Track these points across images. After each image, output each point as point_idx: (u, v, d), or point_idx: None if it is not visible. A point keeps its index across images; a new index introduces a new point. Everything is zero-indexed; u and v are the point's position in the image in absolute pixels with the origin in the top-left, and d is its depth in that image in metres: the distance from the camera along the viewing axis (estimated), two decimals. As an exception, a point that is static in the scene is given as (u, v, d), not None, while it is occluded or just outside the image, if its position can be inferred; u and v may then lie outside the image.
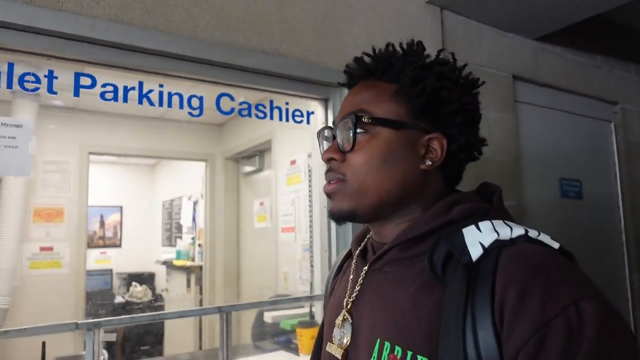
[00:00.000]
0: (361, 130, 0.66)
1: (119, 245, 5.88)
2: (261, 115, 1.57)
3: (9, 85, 1.18)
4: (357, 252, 0.75)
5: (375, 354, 0.62)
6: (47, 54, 1.22)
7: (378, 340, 0.62)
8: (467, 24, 2.17)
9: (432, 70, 0.67)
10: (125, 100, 1.32)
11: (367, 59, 0.73)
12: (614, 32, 2.78)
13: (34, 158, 3.19)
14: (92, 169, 4.45)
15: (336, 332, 0.70)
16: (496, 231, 0.58)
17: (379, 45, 0.75)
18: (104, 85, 1.30)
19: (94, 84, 1.29)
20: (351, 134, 0.66)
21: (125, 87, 1.33)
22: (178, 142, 3.88)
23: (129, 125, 3.63)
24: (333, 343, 0.70)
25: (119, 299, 5.10)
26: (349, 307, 0.70)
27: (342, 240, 1.67)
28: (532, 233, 0.59)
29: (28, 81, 1.21)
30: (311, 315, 1.84)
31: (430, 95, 0.66)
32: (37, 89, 1.21)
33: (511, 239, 0.57)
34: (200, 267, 4.03)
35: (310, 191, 1.98)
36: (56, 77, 1.24)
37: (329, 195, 0.69)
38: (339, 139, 0.68)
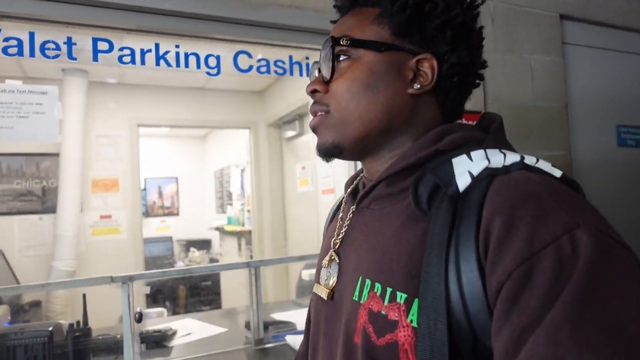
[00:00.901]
0: (343, 57, 0.61)
1: (177, 214, 6.18)
2: (280, 71, 1.55)
3: (32, 53, 1.23)
4: (348, 191, 0.72)
5: (357, 292, 0.59)
6: (65, 21, 1.25)
7: (360, 277, 0.59)
8: (505, -40, 2.00)
9: None
10: (142, 62, 1.35)
11: None
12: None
13: (88, 132, 3.39)
14: (148, 143, 4.68)
15: (323, 272, 0.67)
16: (488, 159, 0.52)
17: None
18: (121, 49, 1.33)
19: (111, 48, 1.32)
20: (330, 61, 0.61)
21: (142, 50, 1.36)
22: (222, 112, 3.95)
23: (174, 98, 3.74)
24: (320, 284, 0.67)
25: (179, 264, 5.40)
26: (336, 247, 0.66)
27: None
28: (529, 160, 0.52)
29: (49, 49, 1.26)
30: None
31: (413, 10, 0.59)
32: (57, 55, 1.26)
33: (504, 167, 0.51)
34: (250, 232, 4.16)
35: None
36: (75, 43, 1.28)
37: (314, 129, 0.65)
38: (322, 70, 0.63)
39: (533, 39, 2.03)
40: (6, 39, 1.22)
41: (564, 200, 0.47)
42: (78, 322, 1.36)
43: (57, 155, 3.19)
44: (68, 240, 3.15)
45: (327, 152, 0.63)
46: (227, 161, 5.21)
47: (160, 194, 6.25)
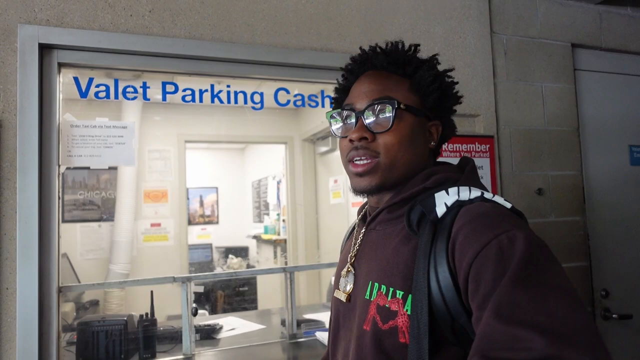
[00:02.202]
0: (396, 117, 0.78)
1: (217, 222, 6.52)
2: (313, 104, 1.81)
3: (116, 96, 1.55)
4: (359, 217, 0.94)
5: (368, 293, 0.79)
6: (140, 69, 1.56)
7: (370, 282, 0.79)
8: (518, -2, 2.20)
9: (443, 75, 0.86)
10: (201, 100, 1.64)
11: (378, 51, 0.87)
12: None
13: (142, 148, 3.75)
14: (191, 155, 5.04)
15: (342, 281, 0.87)
16: (458, 194, 0.74)
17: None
18: (184, 90, 1.63)
19: (176, 89, 1.63)
20: (391, 117, 0.78)
21: (200, 90, 1.65)
22: (259, 128, 4.26)
23: (218, 115, 4.07)
24: (339, 290, 0.87)
25: (218, 270, 5.73)
26: (352, 261, 0.87)
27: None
28: (488, 195, 0.74)
29: (129, 92, 1.57)
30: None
31: (440, 94, 0.84)
32: (135, 97, 1.57)
33: (469, 199, 0.73)
34: (285, 241, 4.43)
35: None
36: (149, 87, 1.58)
37: (360, 174, 0.80)
38: (368, 120, 0.79)
39: (544, 67, 2.22)
40: (97, 85, 1.53)
41: (506, 218, 0.69)
42: (147, 314, 1.65)
43: (115, 169, 3.57)
44: (123, 246, 3.52)
45: (370, 192, 0.82)
46: (264, 173, 5.52)
47: (202, 203, 6.62)
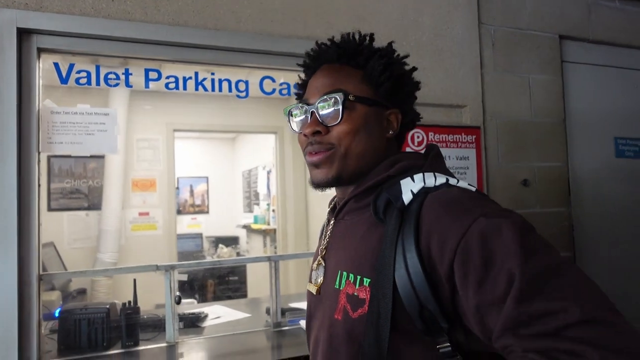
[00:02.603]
0: (346, 108, 0.78)
1: (207, 212, 6.51)
2: (299, 93, 1.80)
3: (97, 83, 1.53)
4: (329, 210, 0.93)
5: (337, 282, 0.79)
6: (123, 56, 1.54)
7: (339, 271, 0.80)
8: (507, -12, 2.19)
9: (395, 63, 0.84)
10: (184, 88, 1.62)
11: (331, 44, 0.87)
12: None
13: (130, 136, 3.72)
14: (182, 145, 5.01)
15: (313, 274, 0.88)
16: (424, 181, 0.74)
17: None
18: (167, 77, 1.61)
19: (159, 76, 1.61)
20: (340, 109, 0.78)
21: (184, 77, 1.63)
22: (249, 117, 4.24)
23: (206, 104, 4.04)
24: (311, 283, 0.88)
25: (208, 259, 5.73)
26: (323, 253, 0.87)
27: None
28: (452, 181, 0.74)
29: (111, 79, 1.55)
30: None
31: (393, 81, 0.82)
32: (117, 84, 1.55)
33: (435, 186, 0.73)
34: (275, 230, 4.43)
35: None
36: (131, 74, 1.56)
37: (316, 164, 0.81)
38: (321, 114, 0.79)
39: (532, 59, 2.22)
40: (78, 72, 1.51)
41: (475, 200, 0.70)
42: (129, 302, 1.65)
43: (102, 157, 3.54)
44: (111, 235, 3.50)
45: (327, 184, 0.81)
46: (254, 162, 5.50)
47: (192, 193, 6.60)
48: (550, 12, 2.29)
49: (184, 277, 1.70)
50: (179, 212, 6.19)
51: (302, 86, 0.92)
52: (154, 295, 2.57)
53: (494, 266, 0.60)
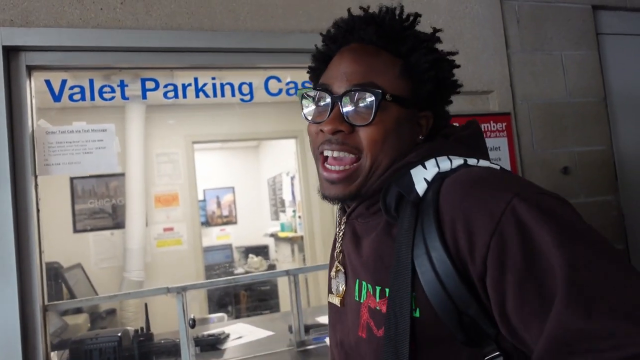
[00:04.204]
0: (379, 108, 0.64)
1: (235, 222, 6.46)
2: (308, 91, 1.66)
3: (92, 97, 1.44)
4: (339, 212, 0.80)
5: (357, 294, 0.68)
6: (116, 67, 1.45)
7: (357, 280, 0.69)
8: (529, -41, 2.00)
9: (444, 60, 0.72)
10: (184, 96, 1.52)
11: (365, 16, 0.73)
12: None
13: (149, 152, 3.67)
14: (205, 156, 4.95)
15: (333, 283, 0.76)
16: (438, 165, 0.62)
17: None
18: (165, 86, 1.51)
19: (157, 86, 1.51)
20: (373, 109, 0.64)
21: (183, 85, 1.53)
22: (269, 123, 4.14)
23: (224, 113, 3.97)
24: (332, 293, 0.76)
25: (239, 270, 5.66)
26: (339, 258, 0.75)
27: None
28: (471, 161, 0.63)
29: (106, 92, 1.46)
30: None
31: (435, 85, 0.69)
32: (113, 97, 1.46)
33: (452, 169, 0.62)
34: (302, 237, 4.31)
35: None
36: (127, 85, 1.47)
37: (332, 181, 0.68)
38: (347, 109, 0.66)
39: (563, 34, 2.02)
40: (72, 87, 1.43)
41: (502, 177, 0.59)
42: (142, 328, 1.55)
43: (123, 175, 3.51)
44: (136, 253, 3.46)
45: (342, 200, 0.70)
46: (278, 169, 5.41)
47: (219, 204, 6.57)
48: (580, -20, 2.08)
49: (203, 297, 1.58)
50: (207, 224, 6.16)
51: (321, 60, 0.77)
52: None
53: (538, 263, 0.50)
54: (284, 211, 5.25)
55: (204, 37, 1.50)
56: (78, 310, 2.80)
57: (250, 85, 1.60)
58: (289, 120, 4.15)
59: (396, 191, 0.63)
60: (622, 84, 2.13)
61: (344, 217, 0.76)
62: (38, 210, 1.38)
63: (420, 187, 0.61)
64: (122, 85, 1.47)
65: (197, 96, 1.54)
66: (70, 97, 1.43)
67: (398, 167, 0.66)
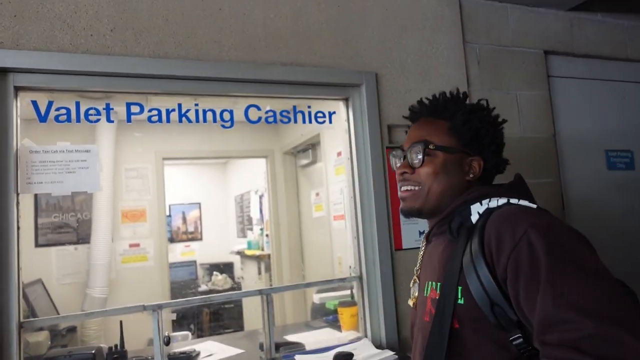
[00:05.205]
0: (427, 155, 0.98)
1: (200, 239, 6.41)
2: (286, 120, 1.77)
3: (77, 119, 1.49)
4: (424, 236, 1.10)
5: (425, 291, 0.99)
6: (103, 90, 1.51)
7: (427, 282, 0.99)
8: (489, 7, 2.20)
9: (476, 115, 1.00)
10: (168, 120, 1.59)
11: (426, 102, 1.06)
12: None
13: (118, 167, 3.66)
14: (172, 171, 4.94)
15: (411, 290, 1.08)
16: (489, 204, 0.90)
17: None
18: (150, 110, 1.58)
19: (142, 110, 1.57)
20: (421, 156, 0.98)
21: (167, 110, 1.60)
22: (239, 142, 4.20)
23: (195, 131, 4.00)
24: (410, 298, 1.08)
25: (203, 287, 5.61)
26: (418, 273, 1.08)
27: (369, 230, 1.84)
28: (513, 200, 0.89)
29: (92, 114, 1.51)
30: (351, 295, 2.03)
31: (475, 132, 0.98)
32: (99, 119, 1.51)
33: (497, 206, 0.88)
34: (269, 256, 4.36)
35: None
36: (112, 109, 1.52)
37: (403, 199, 1.02)
38: (410, 158, 1.00)
39: (518, 75, 2.22)
40: (58, 109, 1.47)
41: (527, 214, 0.83)
42: (116, 345, 1.58)
43: (84, 191, 3.47)
44: (101, 269, 3.41)
45: (411, 214, 1.01)
46: (247, 187, 5.45)
47: (184, 220, 6.51)
48: (533, 28, 2.30)
49: (174, 317, 1.62)
50: (171, 240, 6.09)
51: (407, 134, 1.11)
52: (147, 330, 2.49)
53: (537, 271, 0.74)
54: (251, 229, 5.28)
55: (190, 66, 1.58)
56: (40, 328, 2.74)
57: (231, 112, 1.69)
58: (260, 140, 4.23)
59: (459, 220, 0.92)
60: (569, 122, 2.35)
61: (424, 238, 1.09)
62: (18, 228, 1.41)
63: (474, 218, 0.89)
64: (108, 108, 1.53)
65: (180, 121, 1.61)
66: (56, 118, 1.47)
67: (460, 203, 0.94)
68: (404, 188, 1.01)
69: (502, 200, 0.88)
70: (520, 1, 2.26)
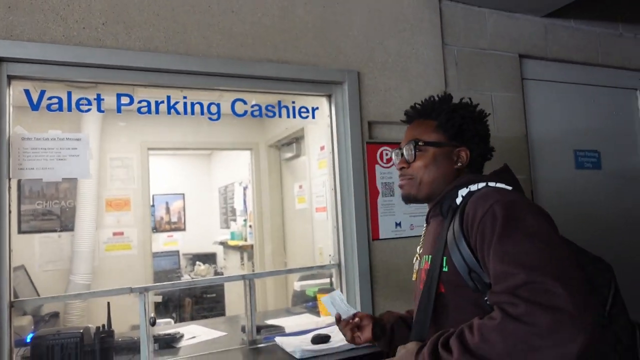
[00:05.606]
0: (418, 150, 1.15)
1: (184, 229, 6.44)
2: (271, 114, 1.85)
3: (69, 108, 1.54)
4: (426, 218, 1.25)
5: (422, 264, 1.15)
6: (94, 82, 1.56)
7: (424, 256, 1.15)
8: (468, 11, 2.30)
9: (459, 112, 1.16)
10: (157, 112, 1.65)
11: (417, 106, 1.22)
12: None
13: (103, 156, 3.68)
14: (157, 161, 4.95)
15: (414, 266, 1.23)
16: (470, 188, 1.06)
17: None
18: (139, 102, 1.64)
19: (131, 101, 1.63)
20: (413, 152, 1.15)
21: (156, 101, 1.66)
22: (225, 134, 4.25)
23: (181, 122, 4.04)
24: (414, 272, 1.23)
25: (185, 277, 5.66)
26: (420, 251, 1.22)
27: (349, 221, 1.93)
28: (492, 184, 1.05)
29: (83, 104, 1.57)
30: (330, 283, 2.13)
31: (458, 127, 1.14)
32: (89, 109, 1.57)
33: (478, 189, 1.04)
34: (252, 246, 4.43)
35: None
36: (103, 99, 1.58)
37: (401, 186, 1.20)
38: (405, 155, 1.18)
39: (494, 77, 2.33)
40: (50, 98, 1.53)
41: (498, 193, 0.98)
42: (103, 326, 1.64)
43: (75, 177, 3.50)
44: (84, 256, 3.45)
45: (409, 200, 1.19)
46: (231, 178, 5.50)
47: (168, 210, 6.53)
48: (509, 32, 2.41)
49: (159, 299, 1.70)
50: (155, 230, 6.10)
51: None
52: (130, 317, 2.55)
53: (494, 237, 0.90)
54: (234, 220, 5.35)
55: (179, 60, 1.65)
56: (23, 313, 2.77)
57: (218, 105, 1.76)
58: (245, 132, 4.29)
59: (448, 202, 1.09)
60: (541, 123, 2.48)
61: (425, 220, 1.24)
62: (10, 212, 1.46)
63: (459, 200, 1.06)
64: (99, 98, 1.59)
65: (169, 113, 1.68)
66: (48, 107, 1.53)
67: (451, 189, 1.10)
68: (401, 179, 1.19)
69: (482, 184, 1.05)
70: (498, 6, 2.37)
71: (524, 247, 0.86)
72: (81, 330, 1.59)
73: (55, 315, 3.25)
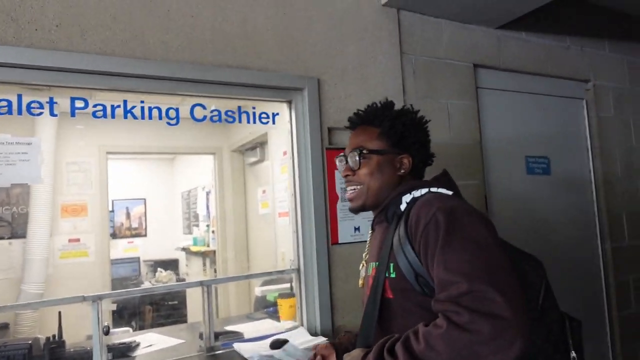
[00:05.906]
0: (363, 158, 1.17)
1: (145, 235, 6.29)
2: (230, 120, 1.85)
3: (19, 111, 1.50)
4: (371, 225, 1.27)
5: (369, 271, 1.18)
6: (47, 85, 1.52)
7: (370, 264, 1.17)
8: (425, 21, 2.38)
9: (401, 120, 1.18)
10: (113, 116, 1.63)
11: (361, 113, 1.24)
12: (584, 12, 2.92)
13: (59, 160, 3.56)
14: (117, 165, 4.83)
15: (361, 273, 1.26)
16: (413, 194, 1.10)
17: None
18: (95, 106, 1.61)
19: (86, 105, 1.60)
20: (358, 159, 1.17)
21: (112, 106, 1.64)
22: (187, 138, 4.19)
23: (141, 126, 3.96)
24: (360, 279, 1.26)
25: (146, 284, 5.52)
26: (366, 258, 1.25)
27: (308, 225, 1.95)
28: (434, 189, 1.09)
29: (34, 107, 1.53)
30: (291, 287, 2.13)
31: (400, 135, 1.16)
32: (41, 113, 1.52)
33: (421, 195, 1.08)
34: (214, 252, 4.38)
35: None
36: (56, 102, 1.55)
37: (350, 199, 1.21)
38: (350, 163, 1.19)
39: (450, 86, 2.41)
40: (-2, 101, 1.48)
41: (440, 199, 1.03)
42: (54, 336, 1.59)
43: (25, 183, 3.37)
44: (37, 264, 3.32)
45: (358, 210, 1.20)
46: (194, 183, 5.42)
47: (128, 216, 6.37)
48: (464, 43, 2.50)
49: (113, 307, 1.66)
50: (114, 236, 5.94)
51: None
52: (85, 326, 2.47)
53: (438, 244, 0.94)
54: (197, 225, 5.27)
55: (136, 64, 1.63)
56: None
57: (177, 110, 1.75)
58: (208, 136, 4.24)
59: (393, 209, 1.12)
60: (494, 130, 2.58)
61: (370, 227, 1.27)
62: (-46, 218, 1.40)
63: (403, 206, 1.10)
64: (52, 102, 1.55)
65: (125, 117, 1.65)
66: (-3, 110, 1.48)
67: (395, 195, 1.13)
68: (349, 189, 1.20)
69: (425, 190, 1.09)
70: (454, 17, 2.45)
71: (464, 256, 0.90)
72: (30, 342, 1.54)
73: (5, 326, 3.11)
